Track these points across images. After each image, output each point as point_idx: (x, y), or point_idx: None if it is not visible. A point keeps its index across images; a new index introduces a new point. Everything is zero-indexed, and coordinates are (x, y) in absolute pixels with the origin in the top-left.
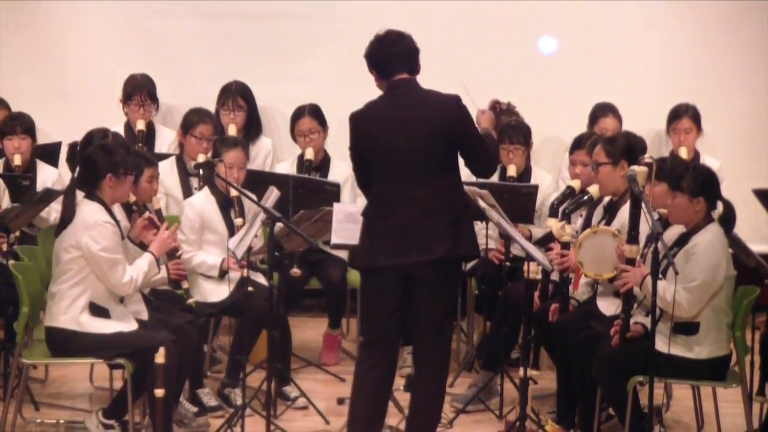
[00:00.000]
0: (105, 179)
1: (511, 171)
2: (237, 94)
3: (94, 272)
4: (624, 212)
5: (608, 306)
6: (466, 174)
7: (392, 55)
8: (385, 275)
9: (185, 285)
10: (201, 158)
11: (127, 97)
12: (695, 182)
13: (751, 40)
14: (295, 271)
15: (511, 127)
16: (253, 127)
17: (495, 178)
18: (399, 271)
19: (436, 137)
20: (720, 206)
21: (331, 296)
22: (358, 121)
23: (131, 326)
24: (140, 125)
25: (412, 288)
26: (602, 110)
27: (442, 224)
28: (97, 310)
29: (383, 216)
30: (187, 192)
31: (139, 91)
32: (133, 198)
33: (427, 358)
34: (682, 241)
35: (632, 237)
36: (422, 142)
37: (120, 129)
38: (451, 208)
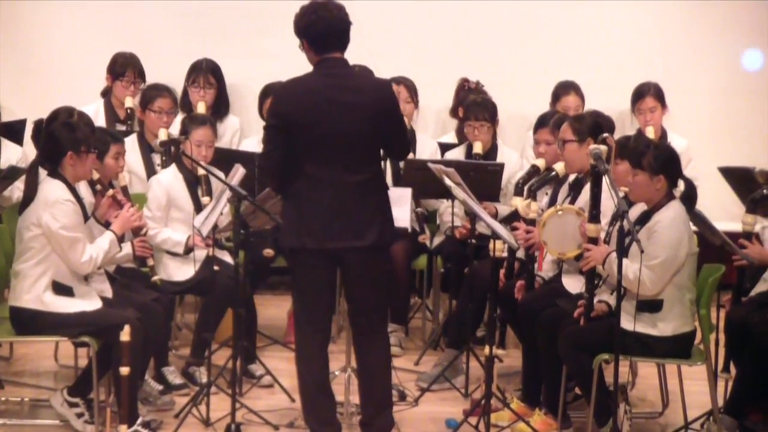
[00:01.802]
0: (66, 157)
1: (477, 148)
2: (208, 72)
3: (54, 250)
4: (589, 190)
5: (574, 283)
6: (429, 152)
7: (331, 31)
8: (315, 257)
9: (150, 263)
10: (163, 134)
11: (118, 75)
12: (656, 160)
13: (717, 18)
14: (268, 251)
15: (477, 104)
16: (221, 105)
17: (461, 156)
18: (329, 254)
19: (373, 123)
20: (681, 184)
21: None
22: (288, 95)
23: (95, 305)
24: (129, 102)
25: (342, 270)
26: (564, 88)
27: (372, 210)
28: (60, 289)
29: (314, 198)
30: (150, 169)
31: (131, 68)
32: (96, 175)
33: (369, 332)
34: (644, 219)
35: (594, 216)
36: (363, 129)
37: (91, 107)
38: (379, 193)
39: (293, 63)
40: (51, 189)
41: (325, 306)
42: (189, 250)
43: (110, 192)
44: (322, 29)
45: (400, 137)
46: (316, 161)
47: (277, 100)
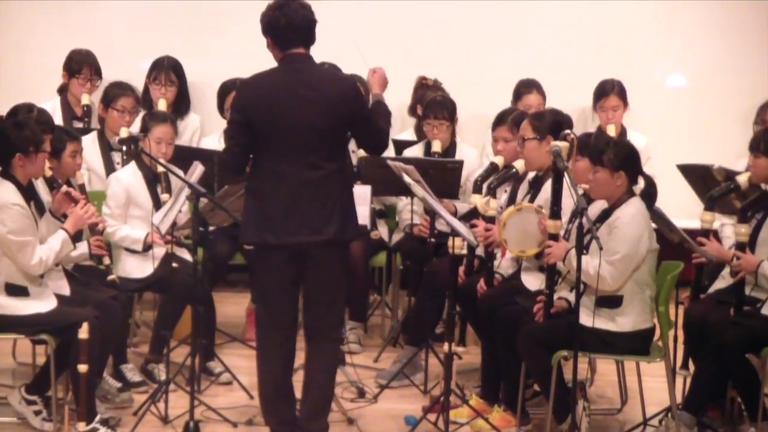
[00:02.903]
0: (15, 158)
1: (436, 146)
2: (169, 70)
3: (4, 254)
4: (549, 187)
5: (533, 281)
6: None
7: (293, 27)
8: (276, 253)
9: (107, 261)
10: (124, 132)
11: (74, 72)
12: (616, 157)
13: (676, 16)
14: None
15: (437, 103)
16: (182, 103)
17: (420, 154)
18: (289, 249)
19: (334, 119)
20: (641, 181)
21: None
22: (250, 89)
23: (50, 305)
24: (85, 99)
25: (303, 265)
26: (526, 86)
27: (332, 206)
28: (14, 290)
29: (275, 194)
30: (109, 167)
31: (87, 66)
32: (49, 173)
33: (320, 333)
34: (605, 215)
35: (554, 212)
36: (321, 124)
37: (47, 104)
38: (340, 189)
39: (254, 61)
40: (0, 192)
41: (286, 303)
42: (148, 247)
43: (64, 188)
44: (285, 25)
45: (367, 131)
46: (277, 156)
47: (240, 95)
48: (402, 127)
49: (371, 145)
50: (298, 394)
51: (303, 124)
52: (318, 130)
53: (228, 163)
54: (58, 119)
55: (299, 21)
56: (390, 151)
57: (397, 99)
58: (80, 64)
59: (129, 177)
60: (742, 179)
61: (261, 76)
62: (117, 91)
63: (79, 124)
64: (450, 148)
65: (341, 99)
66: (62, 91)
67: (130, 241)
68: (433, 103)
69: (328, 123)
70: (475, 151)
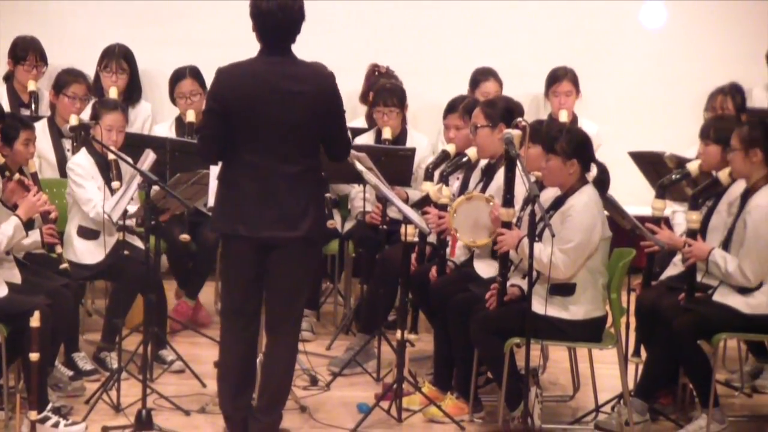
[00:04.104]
0: None
1: (386, 133)
2: (120, 57)
3: None
4: (501, 175)
5: (485, 268)
6: None
7: (283, 23)
8: (246, 244)
9: (58, 250)
10: (74, 120)
11: (19, 59)
12: (569, 145)
13: (628, 5)
14: (185, 236)
15: (386, 90)
16: (134, 91)
17: (371, 141)
18: (260, 242)
19: (314, 115)
20: (594, 169)
21: (201, 259)
22: (229, 78)
23: (1, 293)
24: (32, 86)
25: (270, 258)
26: (483, 74)
27: (306, 201)
28: None
29: (249, 186)
30: (60, 154)
31: (32, 52)
32: (1, 160)
33: (281, 327)
34: (558, 203)
35: (507, 200)
36: (301, 118)
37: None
38: (316, 185)
39: (206, 49)
40: None
41: (251, 294)
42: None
43: (16, 176)
44: (273, 22)
45: (340, 133)
46: (254, 148)
47: (218, 84)
48: (353, 115)
49: (337, 147)
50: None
51: (283, 117)
52: (297, 124)
53: (202, 152)
54: (5, 107)
55: (289, 16)
56: None
57: (349, 86)
58: (25, 51)
59: (83, 161)
60: (693, 167)
61: (241, 65)
62: (68, 77)
63: (26, 111)
64: (401, 136)
65: (321, 95)
66: (8, 78)
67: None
68: (382, 90)
69: (308, 118)
70: (426, 139)
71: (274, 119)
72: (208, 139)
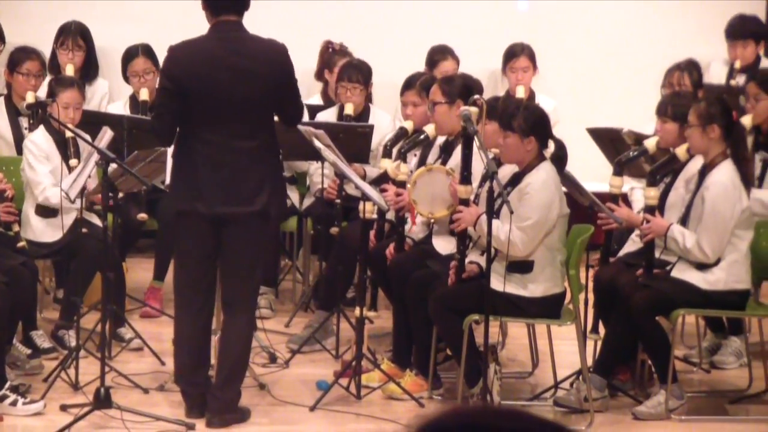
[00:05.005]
0: None
1: (348, 109)
2: (77, 34)
3: None
4: (460, 152)
5: (444, 245)
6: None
7: None
8: (203, 220)
9: (16, 228)
10: (31, 97)
11: None
12: (526, 122)
13: None
14: (142, 216)
15: (352, 66)
16: (91, 68)
17: (333, 117)
18: (216, 218)
19: (267, 90)
20: (552, 145)
21: (163, 237)
22: (182, 56)
23: None
24: None
25: (224, 233)
26: (441, 53)
27: (262, 177)
28: None
29: (205, 163)
30: (17, 133)
31: None
32: None
33: (237, 302)
34: (515, 180)
35: (465, 177)
36: (254, 94)
37: None
38: (272, 161)
39: (163, 26)
40: None
41: (206, 269)
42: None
43: None
44: None
45: (293, 102)
46: (208, 125)
47: (170, 62)
48: (309, 93)
49: (293, 114)
50: (213, 359)
51: (236, 94)
52: (251, 100)
53: (157, 130)
54: None
55: None
56: (305, 116)
57: (304, 64)
58: None
59: (41, 140)
60: (651, 144)
61: (192, 43)
62: (21, 55)
63: None
64: (363, 113)
65: (277, 71)
66: None
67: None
68: (348, 66)
69: (262, 93)
70: (389, 117)
71: (227, 96)
72: (163, 117)
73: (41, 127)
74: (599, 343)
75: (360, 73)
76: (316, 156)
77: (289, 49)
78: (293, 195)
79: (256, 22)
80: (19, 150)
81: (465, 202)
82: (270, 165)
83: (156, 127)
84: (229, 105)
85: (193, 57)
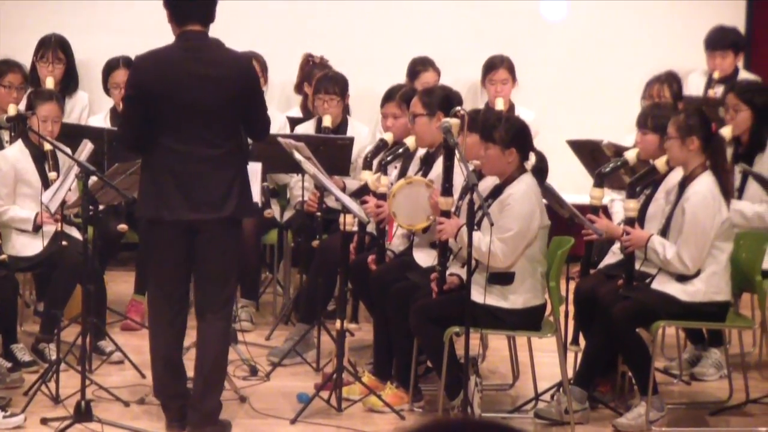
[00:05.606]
0: None
1: (326, 121)
2: (56, 47)
3: None
4: (440, 164)
5: (424, 257)
6: (278, 126)
7: (192, 1)
8: (170, 229)
9: None
10: (12, 110)
11: None
12: (507, 133)
13: None
14: (122, 226)
15: (328, 78)
16: (71, 81)
17: (311, 130)
18: (184, 225)
19: (231, 98)
20: (533, 157)
21: (144, 251)
22: (146, 65)
23: None
24: None
25: (196, 242)
26: (422, 64)
27: (229, 183)
28: None
29: (171, 171)
30: None
31: None
32: None
33: (212, 311)
34: (496, 192)
35: (446, 189)
36: (218, 102)
37: None
38: (238, 167)
39: (143, 38)
40: None
41: (178, 279)
42: (38, 227)
43: None
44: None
45: (259, 114)
46: (174, 134)
47: (135, 72)
48: (288, 105)
49: (257, 127)
50: (191, 371)
51: (200, 102)
52: (215, 108)
53: (123, 139)
54: None
55: None
56: (285, 129)
57: (284, 76)
58: None
59: (16, 154)
60: (631, 155)
61: (157, 52)
62: (4, 67)
63: None
64: (341, 125)
65: (241, 79)
66: None
67: (20, 221)
68: (324, 78)
69: (225, 101)
70: (367, 128)
71: (191, 104)
72: (128, 126)
73: (19, 141)
74: (579, 355)
75: (336, 85)
76: (297, 168)
77: (269, 62)
78: (274, 207)
79: (236, 35)
80: None
81: (446, 214)
82: (237, 170)
83: (121, 135)
84: (193, 113)
85: (157, 65)
